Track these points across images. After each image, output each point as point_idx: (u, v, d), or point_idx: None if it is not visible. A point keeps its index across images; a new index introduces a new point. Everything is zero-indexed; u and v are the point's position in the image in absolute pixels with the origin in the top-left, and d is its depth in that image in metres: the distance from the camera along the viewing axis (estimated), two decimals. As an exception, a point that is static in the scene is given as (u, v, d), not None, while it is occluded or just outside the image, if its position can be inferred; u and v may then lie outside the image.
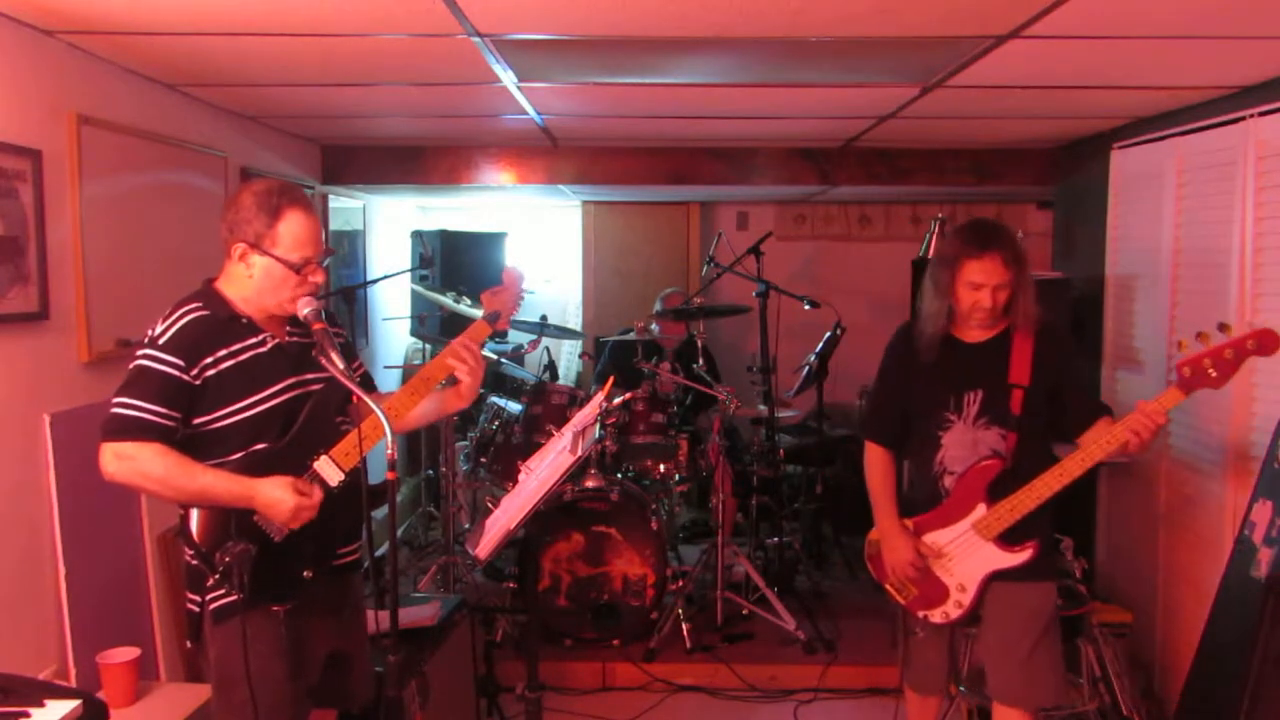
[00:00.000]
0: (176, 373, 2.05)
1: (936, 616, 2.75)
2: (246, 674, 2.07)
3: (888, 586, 2.83)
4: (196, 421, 2.09)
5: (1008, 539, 2.62)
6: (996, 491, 2.61)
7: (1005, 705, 2.68)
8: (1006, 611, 2.66)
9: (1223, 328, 2.40)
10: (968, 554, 2.67)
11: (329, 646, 2.31)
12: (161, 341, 2.06)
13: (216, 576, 2.07)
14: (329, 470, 2.16)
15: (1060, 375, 2.64)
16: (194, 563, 2.14)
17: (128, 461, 2.03)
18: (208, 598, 2.13)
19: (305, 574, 2.18)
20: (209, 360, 2.08)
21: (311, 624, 2.24)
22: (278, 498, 2.06)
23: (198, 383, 2.07)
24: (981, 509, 2.63)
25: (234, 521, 2.09)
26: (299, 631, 2.20)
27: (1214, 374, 2.40)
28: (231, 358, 2.11)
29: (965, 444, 2.66)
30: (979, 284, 2.56)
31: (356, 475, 2.23)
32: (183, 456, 2.05)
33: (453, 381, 2.38)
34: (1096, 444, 2.49)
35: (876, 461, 2.85)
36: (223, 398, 2.09)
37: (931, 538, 2.72)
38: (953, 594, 2.71)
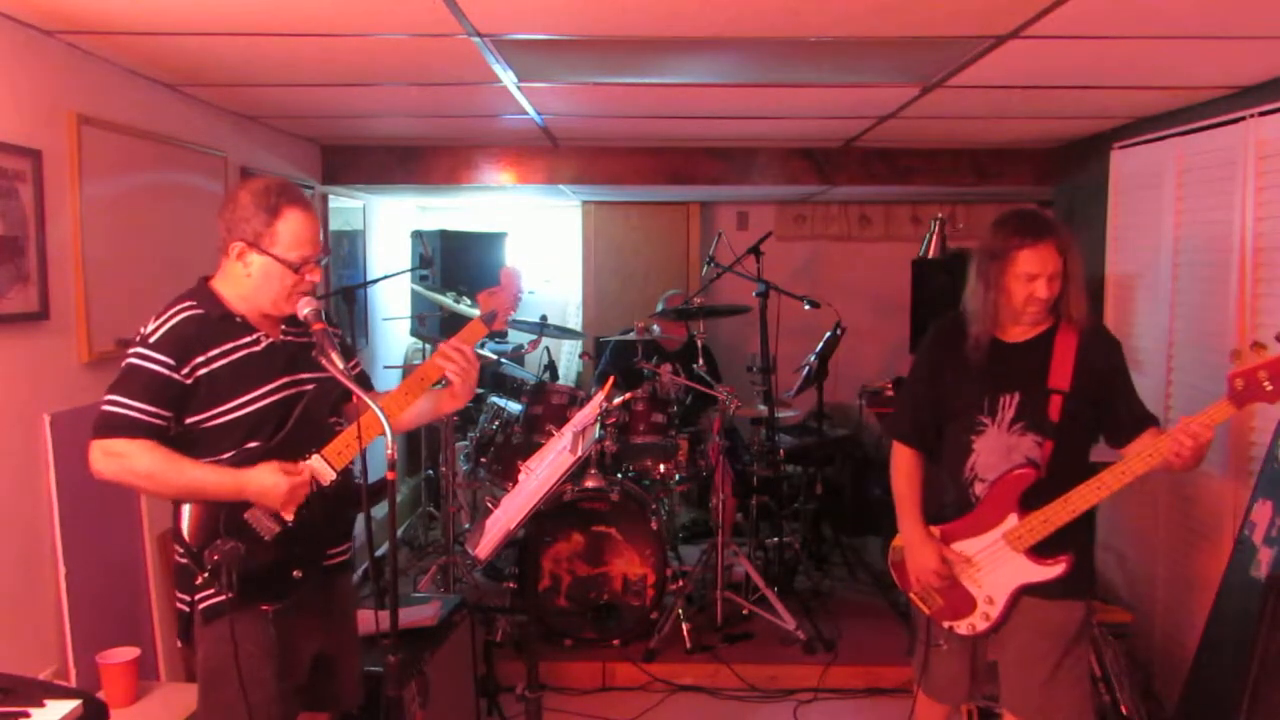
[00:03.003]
0: (166, 371, 2.04)
1: (963, 628, 2.61)
2: (237, 673, 2.07)
3: (912, 595, 2.70)
4: (189, 421, 2.09)
5: (1040, 551, 2.47)
6: (1030, 502, 2.46)
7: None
8: (1032, 630, 2.53)
9: None
10: (997, 565, 2.52)
11: (315, 647, 2.29)
12: (152, 340, 2.06)
13: (205, 575, 2.06)
14: (321, 469, 2.16)
15: (1106, 381, 2.49)
16: (183, 562, 2.14)
17: (116, 459, 2.03)
18: (197, 597, 2.13)
19: (295, 574, 2.17)
20: (201, 359, 2.08)
21: (299, 624, 2.23)
22: (271, 483, 2.06)
23: (189, 381, 2.06)
24: (1013, 519, 2.48)
25: (223, 519, 2.08)
26: (286, 632, 2.19)
27: (1270, 388, 2.18)
28: (224, 356, 2.11)
29: (999, 450, 2.51)
30: (1034, 274, 2.41)
31: (349, 476, 2.23)
32: (171, 452, 2.05)
33: (447, 382, 2.38)
34: (1139, 457, 2.31)
35: (903, 464, 2.70)
36: (215, 397, 2.09)
37: (960, 546, 2.57)
38: (980, 606, 2.56)
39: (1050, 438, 2.46)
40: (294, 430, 2.16)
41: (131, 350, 2.07)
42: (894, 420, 2.82)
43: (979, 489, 2.55)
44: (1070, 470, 2.44)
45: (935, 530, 2.62)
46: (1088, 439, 2.53)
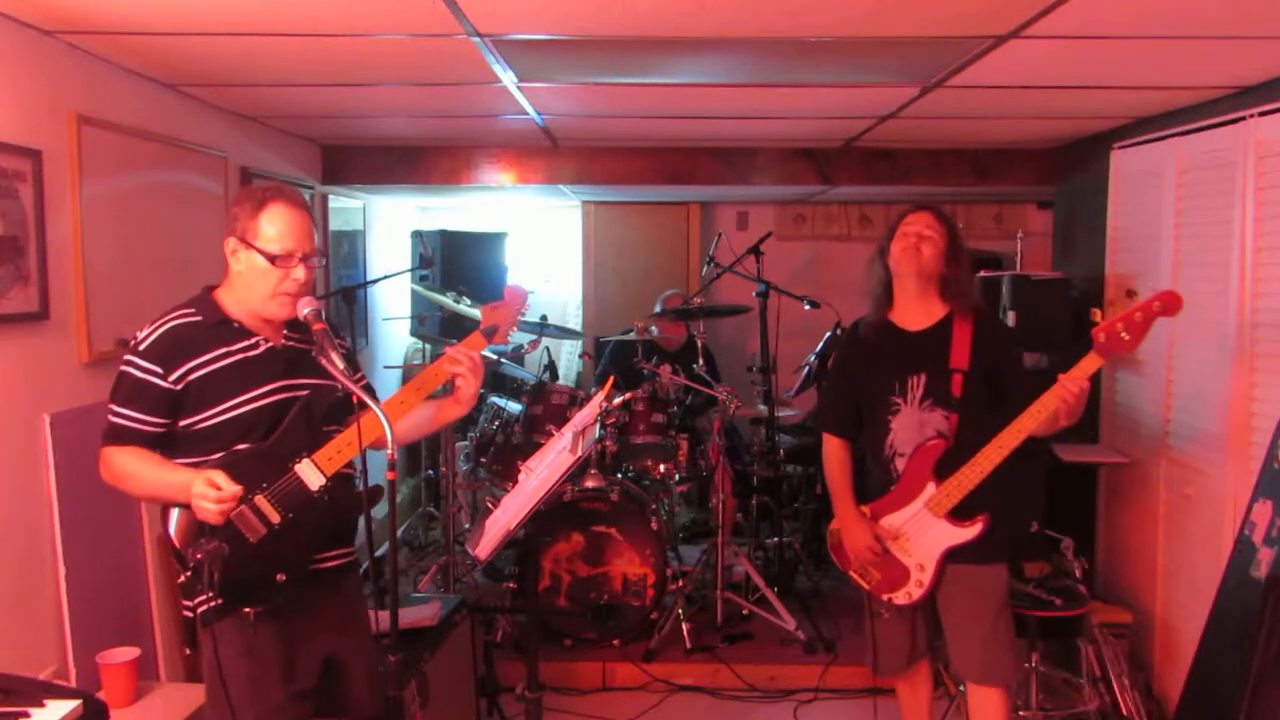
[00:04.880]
0: (153, 379, 2.07)
1: (900, 598, 2.87)
2: (218, 674, 2.08)
3: (852, 573, 2.95)
4: (184, 423, 2.11)
5: (959, 515, 2.75)
6: (943, 470, 2.75)
7: (981, 685, 2.85)
8: (963, 594, 2.81)
9: (1130, 294, 2.53)
10: (923, 533, 2.80)
11: (325, 652, 2.27)
12: (141, 349, 2.10)
13: (189, 574, 2.06)
14: (310, 473, 2.13)
15: (998, 361, 2.79)
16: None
17: (105, 465, 2.10)
18: (196, 601, 2.13)
19: (279, 577, 2.13)
20: (191, 364, 2.09)
21: (304, 628, 2.21)
22: (197, 491, 1.99)
23: (178, 387, 2.09)
24: (931, 488, 2.77)
25: (193, 519, 2.06)
26: (290, 635, 2.18)
27: (1126, 337, 2.53)
28: (217, 361, 2.12)
29: (912, 426, 2.82)
30: (910, 229, 2.80)
31: (345, 482, 2.22)
32: (145, 454, 2.09)
33: (450, 390, 2.35)
34: (1028, 414, 2.61)
35: (833, 452, 3.00)
36: (208, 399, 2.10)
37: (888, 521, 2.85)
38: (913, 574, 2.83)
39: (955, 411, 2.78)
40: (286, 433, 2.14)
41: (124, 358, 2.11)
42: (820, 414, 3.17)
43: (899, 464, 2.85)
44: (976, 439, 2.72)
45: (866, 509, 2.91)
46: (989, 411, 2.77)
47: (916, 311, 2.87)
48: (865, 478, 2.98)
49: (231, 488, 2.01)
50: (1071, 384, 2.54)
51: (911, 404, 2.82)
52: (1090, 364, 2.57)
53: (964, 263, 2.84)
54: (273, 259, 2.11)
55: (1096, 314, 2.62)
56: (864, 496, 2.93)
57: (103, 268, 2.97)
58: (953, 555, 2.78)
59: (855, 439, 2.99)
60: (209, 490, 1.99)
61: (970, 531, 2.75)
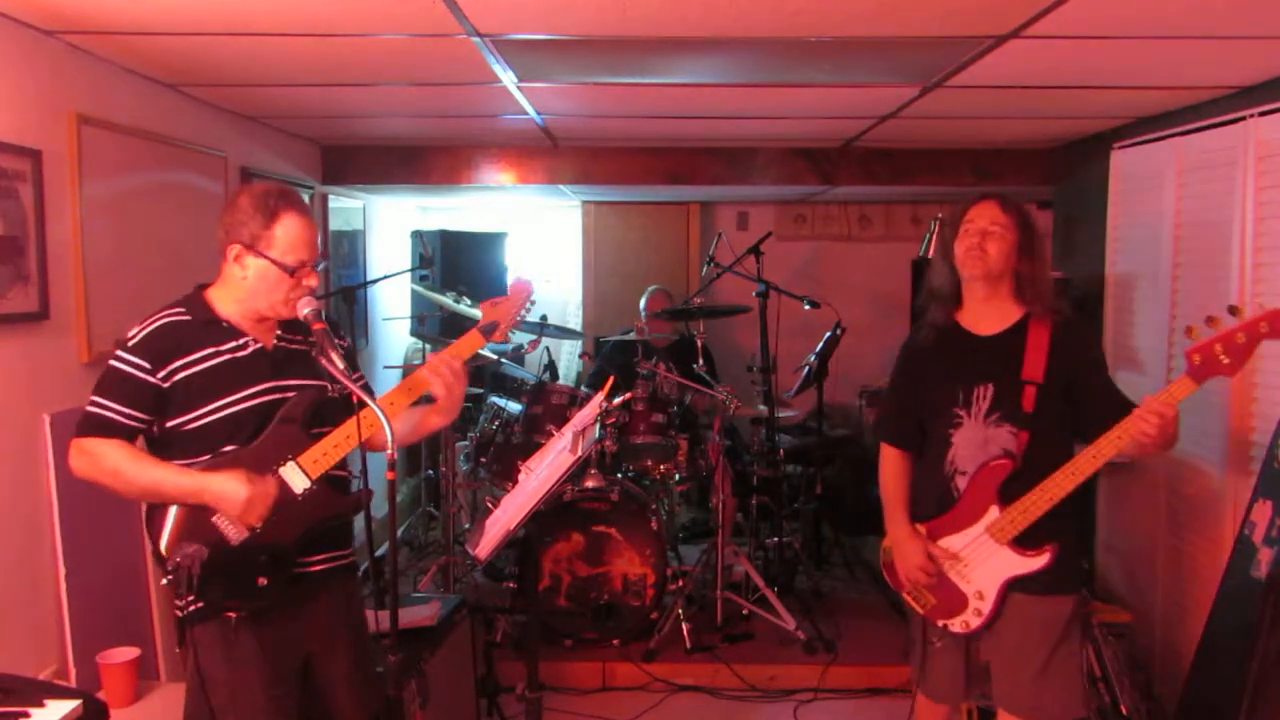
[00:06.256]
0: (141, 374, 2.07)
1: (956, 625, 2.59)
2: (198, 676, 2.10)
3: (905, 595, 2.70)
4: (171, 424, 2.10)
5: (1024, 542, 2.47)
6: (1009, 493, 2.47)
7: (1012, 716, 2.56)
8: (1022, 624, 2.52)
9: (1233, 311, 2.26)
10: (984, 559, 2.52)
11: (304, 656, 2.24)
12: (130, 344, 2.10)
13: (169, 577, 2.05)
14: (294, 477, 2.12)
15: (1081, 373, 2.49)
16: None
17: (86, 457, 2.07)
18: (185, 601, 2.13)
19: (260, 581, 2.12)
20: (180, 363, 2.09)
21: (285, 632, 2.19)
22: (230, 489, 2.03)
23: (166, 385, 2.08)
24: (994, 511, 2.49)
25: (189, 521, 2.06)
26: (273, 640, 2.16)
27: (1226, 360, 2.24)
28: (204, 361, 2.11)
29: (976, 442, 2.52)
30: (974, 221, 2.50)
31: (341, 484, 2.22)
32: (138, 452, 2.08)
33: (433, 398, 2.31)
34: (1107, 439, 2.33)
35: (890, 464, 2.73)
36: (194, 399, 2.10)
37: (946, 542, 2.58)
38: (971, 602, 2.55)
39: (1025, 428, 2.47)
40: (271, 436, 2.13)
41: (114, 353, 2.11)
42: (879, 423, 2.85)
43: (960, 482, 2.55)
44: (1047, 460, 2.43)
45: (921, 528, 2.63)
46: (1064, 430, 2.51)
47: (987, 314, 2.56)
48: (917, 492, 2.70)
49: (268, 485, 2.06)
50: (1159, 408, 2.25)
51: (976, 418, 2.52)
52: (1181, 389, 2.27)
53: (1040, 257, 2.53)
54: (291, 271, 2.12)
55: (1193, 331, 2.28)
56: (916, 512, 2.67)
57: (102, 268, 2.97)
58: (1015, 583, 2.49)
59: (917, 450, 2.70)
60: (242, 487, 2.02)
61: (1037, 562, 2.45)
